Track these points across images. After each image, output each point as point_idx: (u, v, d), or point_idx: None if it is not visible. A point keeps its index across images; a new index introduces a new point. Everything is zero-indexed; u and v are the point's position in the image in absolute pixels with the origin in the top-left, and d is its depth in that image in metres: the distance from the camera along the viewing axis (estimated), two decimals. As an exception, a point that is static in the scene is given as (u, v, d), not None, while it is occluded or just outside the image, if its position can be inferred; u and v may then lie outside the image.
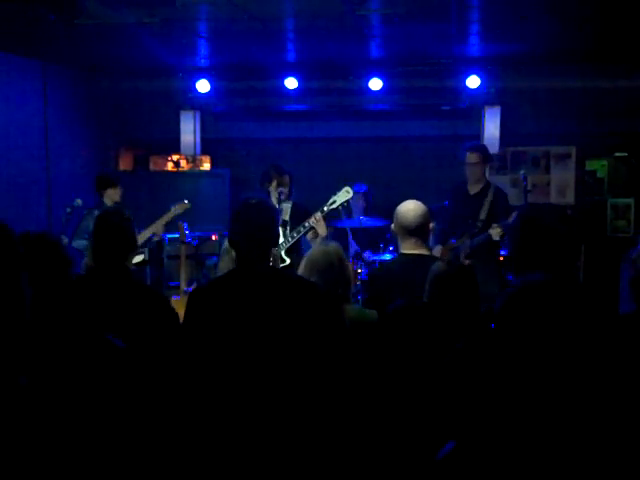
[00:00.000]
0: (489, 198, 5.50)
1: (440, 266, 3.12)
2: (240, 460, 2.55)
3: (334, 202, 5.20)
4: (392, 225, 3.79)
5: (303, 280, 3.00)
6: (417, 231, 3.67)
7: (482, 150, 5.68)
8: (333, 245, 3.36)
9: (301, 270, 3.31)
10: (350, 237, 5.95)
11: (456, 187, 5.83)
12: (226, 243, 3.53)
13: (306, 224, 5.21)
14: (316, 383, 2.65)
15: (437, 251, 5.37)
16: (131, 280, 3.11)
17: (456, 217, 5.62)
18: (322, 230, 5.16)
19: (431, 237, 5.92)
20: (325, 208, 5.18)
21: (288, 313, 2.68)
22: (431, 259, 3.61)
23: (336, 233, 6.27)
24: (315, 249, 3.39)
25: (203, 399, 2.63)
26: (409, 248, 3.72)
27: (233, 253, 3.35)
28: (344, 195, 5.20)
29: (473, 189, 5.65)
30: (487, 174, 5.81)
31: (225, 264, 3.56)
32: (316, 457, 2.58)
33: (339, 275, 3.25)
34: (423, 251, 3.70)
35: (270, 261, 2.84)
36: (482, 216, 5.44)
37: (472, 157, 5.60)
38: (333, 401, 2.67)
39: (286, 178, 5.53)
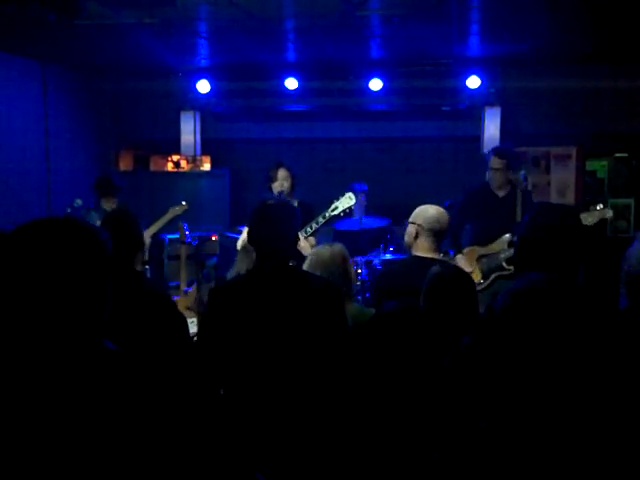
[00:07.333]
0: (519, 200, 5.30)
1: (438, 269, 3.14)
2: (259, 453, 2.58)
3: (336, 208, 4.88)
4: (412, 224, 3.72)
5: (322, 279, 3.02)
6: (440, 235, 3.70)
7: (508, 156, 5.49)
8: (338, 245, 3.45)
9: (306, 266, 3.37)
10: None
11: (480, 189, 5.62)
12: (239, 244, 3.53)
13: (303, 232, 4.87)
14: (330, 380, 2.69)
15: (467, 253, 5.27)
16: (137, 281, 3.10)
17: (488, 220, 5.39)
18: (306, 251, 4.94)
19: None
20: (326, 214, 4.87)
21: (310, 312, 2.72)
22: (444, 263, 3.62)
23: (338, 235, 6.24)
24: (321, 247, 3.47)
25: (225, 393, 2.67)
26: (425, 251, 3.69)
27: (254, 255, 3.37)
28: (347, 201, 4.88)
29: (501, 192, 5.48)
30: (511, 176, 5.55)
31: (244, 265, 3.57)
32: (324, 450, 2.62)
33: (342, 273, 3.35)
34: (436, 255, 3.69)
35: (292, 260, 2.87)
36: (519, 219, 5.20)
37: (495, 162, 5.43)
38: (341, 398, 2.70)
39: (286, 175, 5.40)
